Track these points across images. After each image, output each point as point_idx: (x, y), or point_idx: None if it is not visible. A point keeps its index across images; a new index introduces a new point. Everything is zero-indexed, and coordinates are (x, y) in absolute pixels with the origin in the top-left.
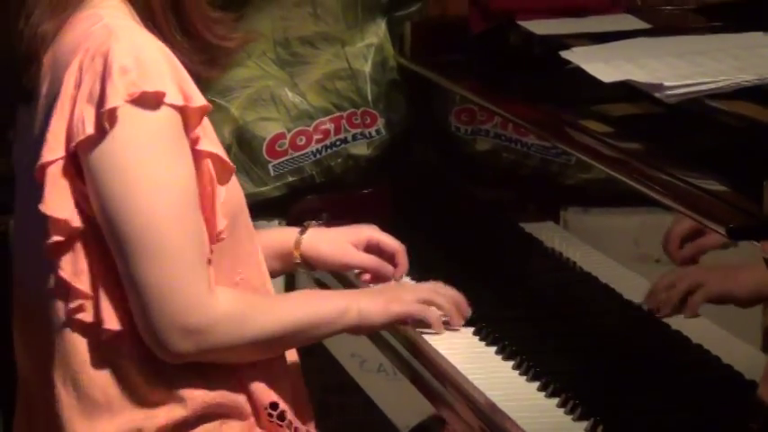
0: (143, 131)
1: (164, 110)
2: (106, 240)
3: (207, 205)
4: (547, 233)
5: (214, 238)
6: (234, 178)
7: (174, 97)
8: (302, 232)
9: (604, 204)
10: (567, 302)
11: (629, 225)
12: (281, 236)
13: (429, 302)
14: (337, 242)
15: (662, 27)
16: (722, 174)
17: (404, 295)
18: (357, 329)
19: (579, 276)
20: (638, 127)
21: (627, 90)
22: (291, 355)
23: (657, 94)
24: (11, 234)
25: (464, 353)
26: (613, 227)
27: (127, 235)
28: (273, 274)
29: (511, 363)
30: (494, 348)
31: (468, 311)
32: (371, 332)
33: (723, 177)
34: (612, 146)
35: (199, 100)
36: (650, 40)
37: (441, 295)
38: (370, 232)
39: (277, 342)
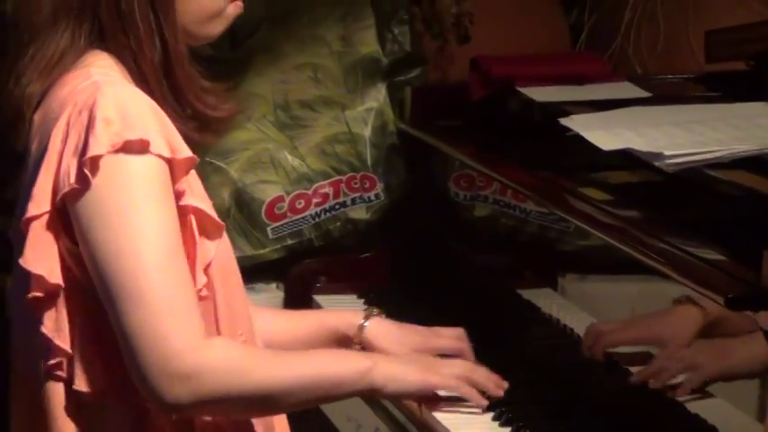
0: (127, 177)
1: (149, 158)
2: (89, 297)
3: (188, 262)
4: (545, 300)
5: (195, 294)
6: (226, 239)
7: (159, 147)
8: (366, 319)
9: (602, 272)
10: (564, 369)
11: (627, 293)
12: (340, 318)
13: (465, 378)
14: (403, 343)
15: (662, 96)
16: (721, 243)
17: (440, 368)
18: (378, 392)
19: (577, 343)
20: (636, 195)
21: (626, 158)
22: (283, 421)
23: (657, 163)
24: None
25: (460, 419)
26: (611, 294)
27: (113, 281)
28: None
29: (507, 429)
30: (490, 415)
31: (505, 385)
32: (396, 398)
33: (722, 247)
34: (611, 214)
35: (185, 152)
36: (650, 109)
37: (476, 372)
38: (444, 344)
39: (284, 398)
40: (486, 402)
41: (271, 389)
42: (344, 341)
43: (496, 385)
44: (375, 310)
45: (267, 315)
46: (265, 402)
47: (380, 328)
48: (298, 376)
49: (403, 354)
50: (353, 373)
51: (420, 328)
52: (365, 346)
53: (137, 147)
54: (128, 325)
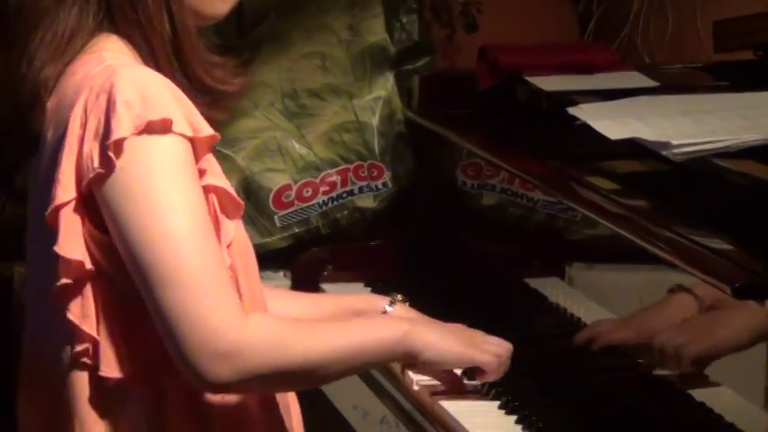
0: (153, 157)
1: (172, 137)
2: (113, 283)
3: None
4: (552, 289)
5: (228, 271)
6: (241, 225)
7: (181, 127)
8: (391, 304)
9: (609, 261)
10: (571, 358)
11: (634, 282)
12: (364, 302)
13: (500, 360)
14: None
15: (670, 85)
16: (728, 232)
17: (481, 343)
18: (416, 358)
19: None
20: (644, 185)
21: (633, 147)
22: (295, 410)
23: (664, 152)
24: (16, 281)
25: (467, 407)
26: (618, 283)
27: (146, 264)
28: None
29: (513, 418)
30: (497, 403)
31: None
32: (432, 366)
33: (729, 236)
34: (618, 203)
35: (206, 130)
36: (658, 98)
37: (507, 358)
38: (489, 362)
39: (328, 367)
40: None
41: (313, 360)
42: None
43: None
44: (399, 297)
45: (285, 297)
46: (309, 374)
47: (404, 315)
48: (339, 346)
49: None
50: (392, 338)
51: (444, 323)
52: None
53: (159, 127)
54: (165, 307)
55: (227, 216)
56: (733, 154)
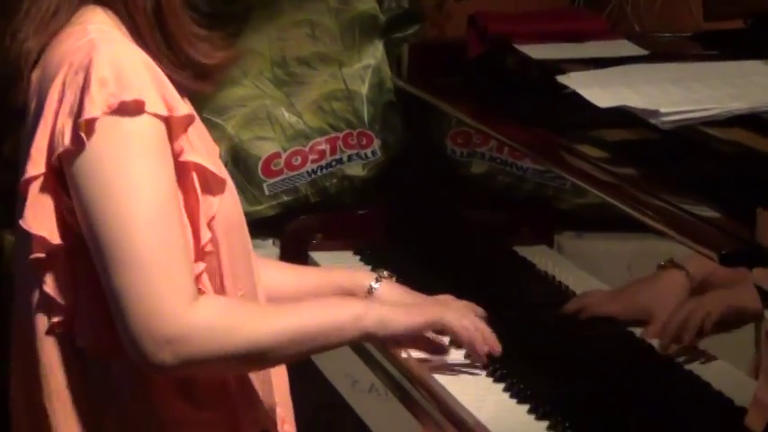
0: (122, 139)
1: (144, 117)
2: (91, 255)
3: (191, 218)
4: (540, 257)
5: (200, 251)
6: (234, 193)
7: (155, 106)
8: (377, 281)
9: (598, 229)
10: (559, 326)
11: (623, 250)
12: (349, 278)
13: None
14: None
15: (659, 53)
16: (715, 200)
17: (432, 309)
18: (373, 337)
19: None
20: (632, 152)
21: (622, 115)
22: (282, 377)
23: (653, 120)
24: (6, 249)
25: (454, 374)
26: (607, 251)
27: (103, 242)
28: None
29: (501, 385)
30: (484, 371)
31: (497, 352)
32: (391, 340)
33: (716, 204)
34: (607, 171)
35: (182, 109)
36: (647, 67)
37: (478, 332)
38: (449, 319)
39: (274, 352)
40: (484, 360)
41: (259, 345)
42: None
43: (491, 350)
44: (385, 273)
45: (274, 268)
46: (256, 358)
47: (390, 293)
48: (287, 329)
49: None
50: (345, 321)
51: (429, 297)
52: None
53: (132, 108)
54: (116, 286)
55: (210, 192)
56: (721, 122)
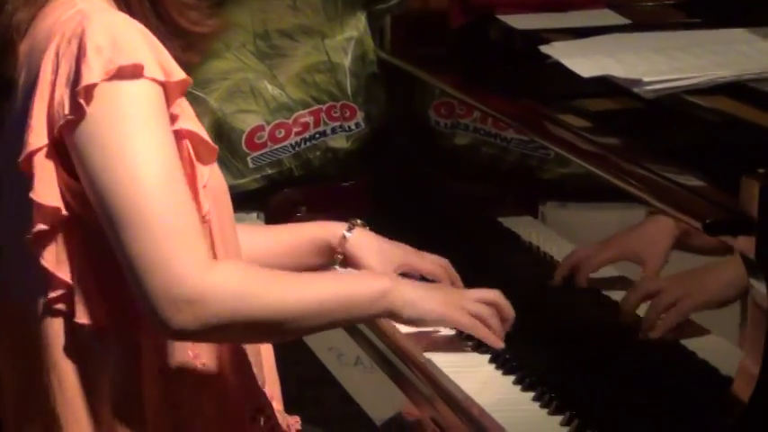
0: (123, 103)
1: (143, 82)
2: (88, 231)
3: (188, 187)
4: (525, 228)
5: (199, 220)
6: (216, 166)
7: (153, 71)
8: (349, 230)
9: (582, 199)
10: (544, 297)
11: (607, 219)
12: (322, 228)
13: (481, 317)
14: (386, 259)
15: (641, 23)
16: (700, 169)
17: (462, 302)
18: (398, 315)
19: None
20: (616, 122)
21: (606, 85)
22: (269, 354)
23: (636, 90)
24: None
25: (440, 347)
26: (591, 221)
27: (114, 209)
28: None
29: (486, 356)
30: (470, 343)
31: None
32: (413, 324)
33: (700, 173)
34: (591, 141)
35: (179, 74)
36: (630, 36)
37: (493, 318)
38: (425, 268)
39: (297, 322)
40: (501, 345)
41: (281, 314)
42: (327, 251)
43: (499, 337)
44: (358, 221)
45: (245, 232)
46: (275, 328)
47: (364, 240)
48: (310, 300)
49: (385, 269)
50: (371, 295)
51: (403, 245)
52: (348, 257)
53: (130, 72)
54: (131, 252)
55: (201, 161)
56: (704, 90)
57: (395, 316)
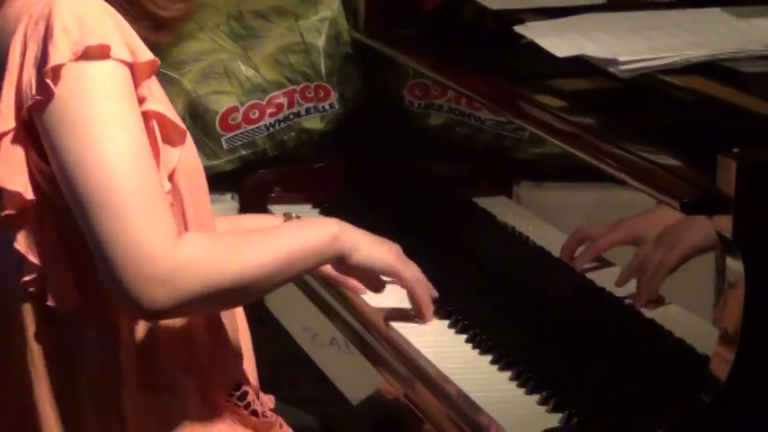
0: (90, 84)
1: (111, 63)
2: (60, 214)
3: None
4: (500, 208)
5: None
6: (191, 144)
7: (120, 52)
8: (285, 221)
9: (557, 179)
10: (520, 277)
11: (583, 200)
12: (258, 222)
13: (421, 285)
14: None
15: (617, 2)
16: (676, 148)
17: (401, 255)
18: (347, 259)
19: (532, 251)
20: (591, 102)
21: (581, 65)
22: (245, 334)
23: (611, 69)
24: None
25: (417, 327)
26: (566, 201)
27: (83, 190)
28: None
29: (463, 336)
30: (446, 322)
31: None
32: (358, 269)
33: (677, 152)
34: (566, 120)
35: (146, 55)
36: (605, 15)
37: (430, 288)
38: (409, 274)
39: (262, 280)
40: (431, 317)
41: (248, 277)
42: None
43: (427, 310)
44: (293, 215)
45: None
46: (245, 290)
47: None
48: (271, 260)
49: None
50: (322, 241)
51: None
52: None
53: (97, 52)
54: (100, 234)
55: (170, 143)
56: (680, 70)
57: (345, 259)
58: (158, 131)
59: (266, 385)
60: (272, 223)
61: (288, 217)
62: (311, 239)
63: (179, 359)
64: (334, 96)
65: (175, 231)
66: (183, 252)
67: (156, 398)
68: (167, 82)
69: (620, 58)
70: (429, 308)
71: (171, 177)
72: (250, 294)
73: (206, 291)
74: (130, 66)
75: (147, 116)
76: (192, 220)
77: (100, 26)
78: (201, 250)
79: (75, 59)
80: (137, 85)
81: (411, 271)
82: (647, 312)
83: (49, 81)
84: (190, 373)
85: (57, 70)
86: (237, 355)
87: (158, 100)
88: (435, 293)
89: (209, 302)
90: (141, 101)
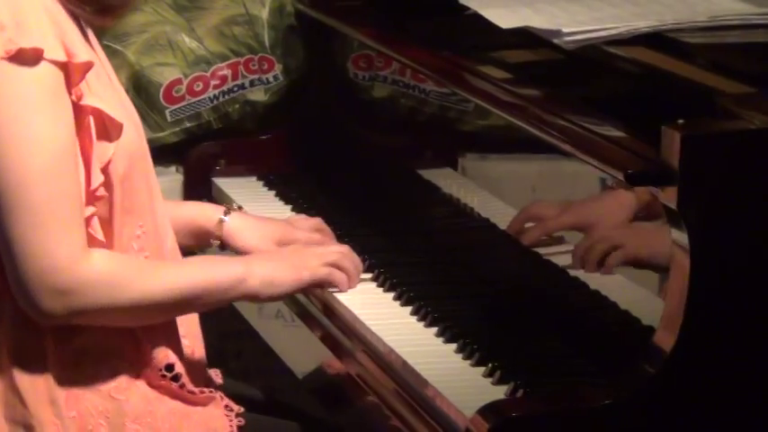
0: (19, 88)
1: (42, 66)
2: None
3: (85, 162)
4: (445, 180)
5: (91, 194)
6: (138, 127)
7: (54, 53)
8: (226, 213)
9: (502, 151)
10: (465, 249)
11: (527, 171)
12: (199, 212)
13: (335, 265)
14: (265, 238)
15: None
16: (620, 120)
17: (310, 261)
18: (257, 297)
19: (477, 223)
20: (536, 73)
21: (525, 36)
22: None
23: (556, 41)
24: None
25: (362, 299)
26: (511, 173)
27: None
28: (183, 251)
29: (409, 309)
30: (392, 294)
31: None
32: (274, 300)
33: (621, 123)
34: (511, 92)
35: (82, 56)
36: None
37: (348, 258)
38: (302, 237)
39: (160, 308)
40: (354, 286)
41: (145, 302)
42: (203, 235)
43: (357, 274)
44: (236, 206)
45: None
46: (144, 313)
47: (240, 224)
48: (173, 288)
49: (265, 248)
50: (230, 281)
51: (279, 221)
52: (224, 241)
53: (30, 56)
54: (10, 236)
55: (106, 137)
56: (624, 41)
57: (256, 298)
58: (94, 127)
59: (212, 358)
60: (213, 213)
61: (229, 209)
62: (217, 277)
63: (108, 338)
64: (278, 68)
65: (83, 245)
66: (87, 268)
67: (81, 375)
68: (111, 54)
69: (565, 30)
70: (348, 284)
71: (105, 169)
72: (153, 317)
73: (103, 308)
74: (64, 65)
75: (83, 111)
76: (118, 211)
77: (36, 24)
78: (106, 269)
79: (6, 58)
80: (72, 83)
81: (319, 271)
82: (593, 284)
83: None
84: (120, 352)
85: None
86: (175, 334)
87: (97, 93)
88: (357, 263)
89: (107, 318)
90: (78, 97)
